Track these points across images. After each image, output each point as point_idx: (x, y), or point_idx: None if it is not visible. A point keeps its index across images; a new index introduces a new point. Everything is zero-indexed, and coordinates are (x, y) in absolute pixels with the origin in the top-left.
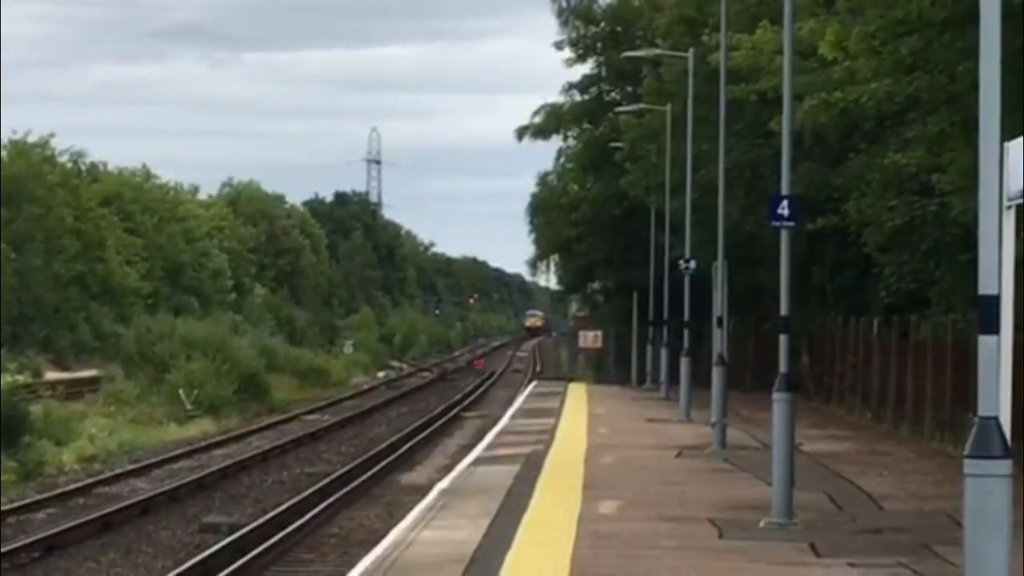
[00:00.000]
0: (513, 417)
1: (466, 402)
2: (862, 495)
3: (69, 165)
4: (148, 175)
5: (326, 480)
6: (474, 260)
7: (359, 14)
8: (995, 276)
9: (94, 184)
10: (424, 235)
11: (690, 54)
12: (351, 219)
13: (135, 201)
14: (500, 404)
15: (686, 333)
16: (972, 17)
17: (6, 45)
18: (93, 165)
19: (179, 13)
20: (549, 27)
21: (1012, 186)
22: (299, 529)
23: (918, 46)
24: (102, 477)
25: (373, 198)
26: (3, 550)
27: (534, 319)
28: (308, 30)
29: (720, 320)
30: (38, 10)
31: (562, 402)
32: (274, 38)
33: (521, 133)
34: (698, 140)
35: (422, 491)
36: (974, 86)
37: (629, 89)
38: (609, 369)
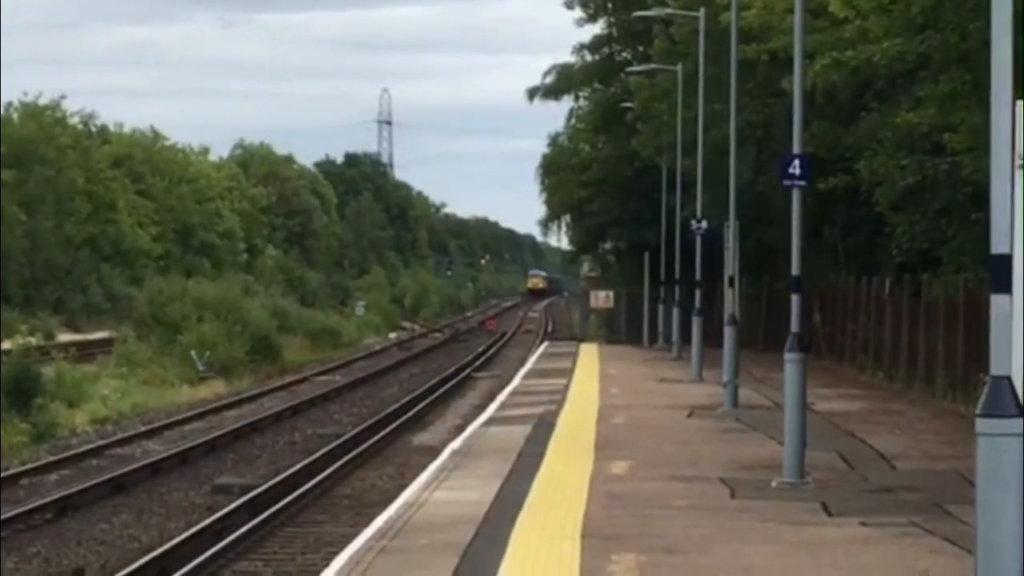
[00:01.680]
0: (525, 378)
1: (478, 363)
2: (874, 454)
3: (80, 127)
4: (158, 137)
5: (338, 441)
6: (485, 221)
7: None
8: (1007, 235)
9: (105, 146)
10: (435, 196)
11: (701, 13)
12: (362, 180)
13: (146, 163)
14: (512, 364)
15: (698, 293)
16: None
17: (19, 9)
18: (104, 127)
19: None
20: None
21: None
22: (311, 490)
23: (929, 4)
24: (114, 439)
25: (384, 159)
26: (17, 511)
27: (535, 280)
28: None
29: (732, 280)
30: None
31: (574, 362)
32: None
33: (532, 94)
34: (709, 100)
35: (434, 452)
36: (986, 44)
37: (640, 49)
38: (621, 329)
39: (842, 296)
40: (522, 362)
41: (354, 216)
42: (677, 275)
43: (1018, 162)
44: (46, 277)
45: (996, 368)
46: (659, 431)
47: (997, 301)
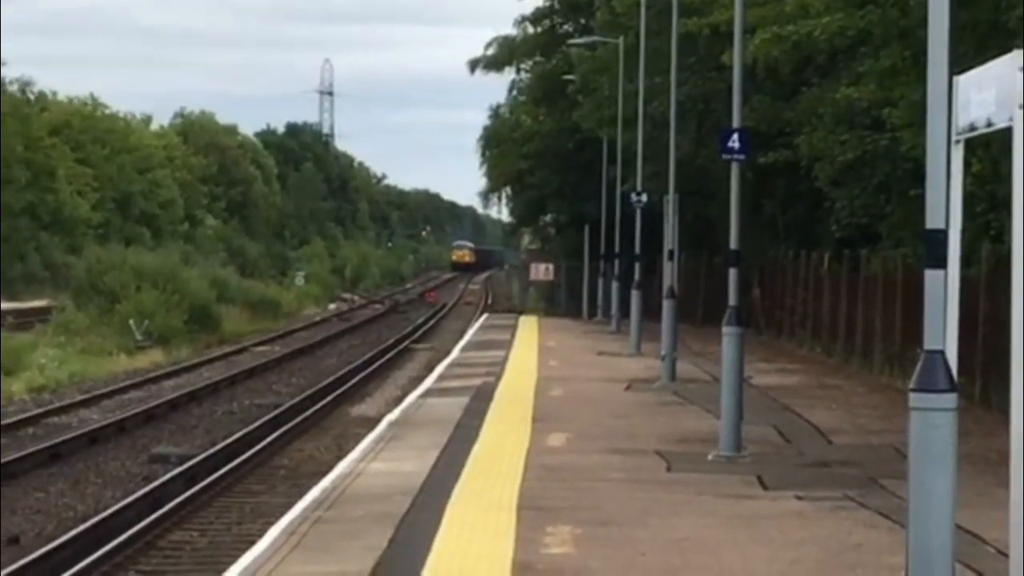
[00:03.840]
0: (464, 349)
1: (417, 334)
2: (811, 429)
3: (19, 95)
4: (98, 105)
5: (276, 412)
6: (427, 192)
7: None
8: (943, 210)
9: (44, 113)
10: (377, 167)
11: None
12: (303, 150)
13: (85, 131)
14: (451, 336)
15: (637, 266)
16: None
17: None
18: (42, 94)
19: None
20: None
21: (961, 120)
22: (249, 460)
23: None
24: (51, 407)
25: (325, 130)
26: None
27: (461, 252)
28: None
29: (671, 253)
30: None
31: (513, 334)
32: None
33: (474, 65)
34: (650, 73)
35: (372, 423)
36: (925, 20)
37: (582, 22)
38: (560, 302)
39: (781, 270)
40: (461, 334)
41: (295, 187)
42: (617, 248)
43: (955, 137)
44: None
45: (930, 343)
46: (597, 404)
47: (931, 276)
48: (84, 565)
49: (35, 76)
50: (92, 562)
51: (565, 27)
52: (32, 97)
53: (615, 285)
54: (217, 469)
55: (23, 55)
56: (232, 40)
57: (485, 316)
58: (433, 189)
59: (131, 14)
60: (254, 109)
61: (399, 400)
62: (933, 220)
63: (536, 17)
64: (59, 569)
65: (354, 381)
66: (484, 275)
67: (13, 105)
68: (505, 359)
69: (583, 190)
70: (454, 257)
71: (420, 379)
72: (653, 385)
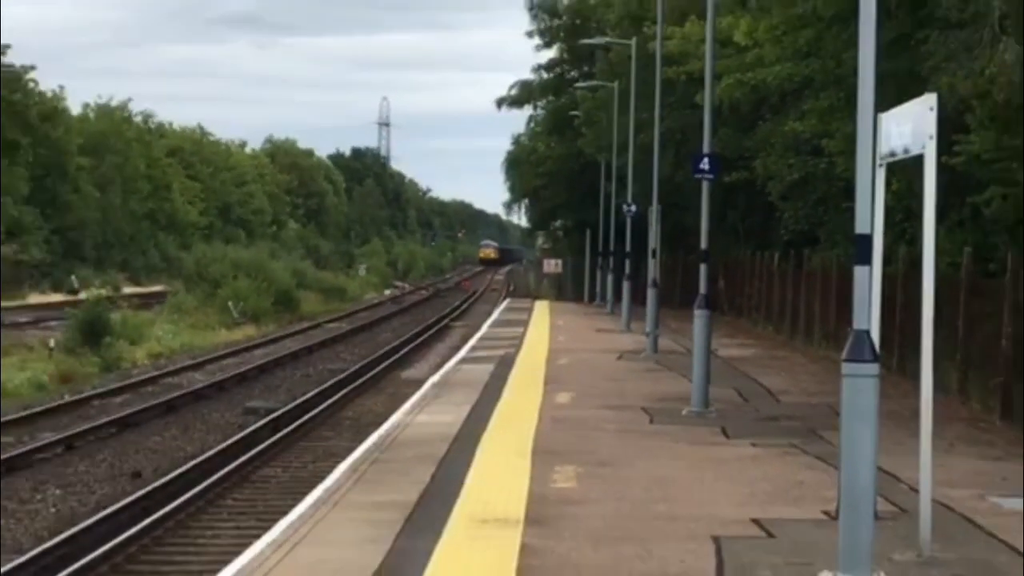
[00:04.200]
0: (491, 327)
1: (454, 315)
2: (763, 390)
3: (142, 124)
4: (204, 133)
5: (343, 375)
6: (462, 203)
7: (372, 6)
8: (868, 220)
9: (162, 139)
10: (423, 183)
11: (633, 42)
12: (365, 170)
13: (195, 154)
14: (481, 316)
15: (627, 262)
16: (854, 14)
17: (96, 30)
18: (161, 124)
19: (233, 5)
20: (522, 20)
21: (883, 148)
22: (321, 413)
23: (812, 37)
24: (167, 370)
25: (383, 153)
26: (89, 426)
27: (488, 250)
28: (333, 19)
29: (654, 252)
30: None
31: (529, 315)
32: (306, 25)
33: (500, 103)
34: (639, 110)
35: (418, 384)
36: (856, 69)
37: (585, 69)
38: (567, 290)
39: (741, 266)
40: (489, 315)
41: (358, 198)
42: (612, 248)
43: (879, 162)
44: (114, 242)
45: (858, 324)
46: (595, 370)
47: (859, 272)
48: (191, 495)
49: (156, 110)
50: (198, 492)
51: (572, 73)
52: (153, 127)
53: (610, 277)
54: (296, 419)
55: (148, 93)
56: (310, 82)
57: (507, 301)
58: (467, 200)
59: (234, 62)
60: (327, 136)
61: (440, 366)
62: (861, 227)
63: (549, 66)
64: (173, 496)
65: (405, 351)
66: (506, 268)
67: (138, 132)
68: (523, 334)
69: (586, 202)
70: (481, 255)
71: (456, 349)
72: (639, 356)
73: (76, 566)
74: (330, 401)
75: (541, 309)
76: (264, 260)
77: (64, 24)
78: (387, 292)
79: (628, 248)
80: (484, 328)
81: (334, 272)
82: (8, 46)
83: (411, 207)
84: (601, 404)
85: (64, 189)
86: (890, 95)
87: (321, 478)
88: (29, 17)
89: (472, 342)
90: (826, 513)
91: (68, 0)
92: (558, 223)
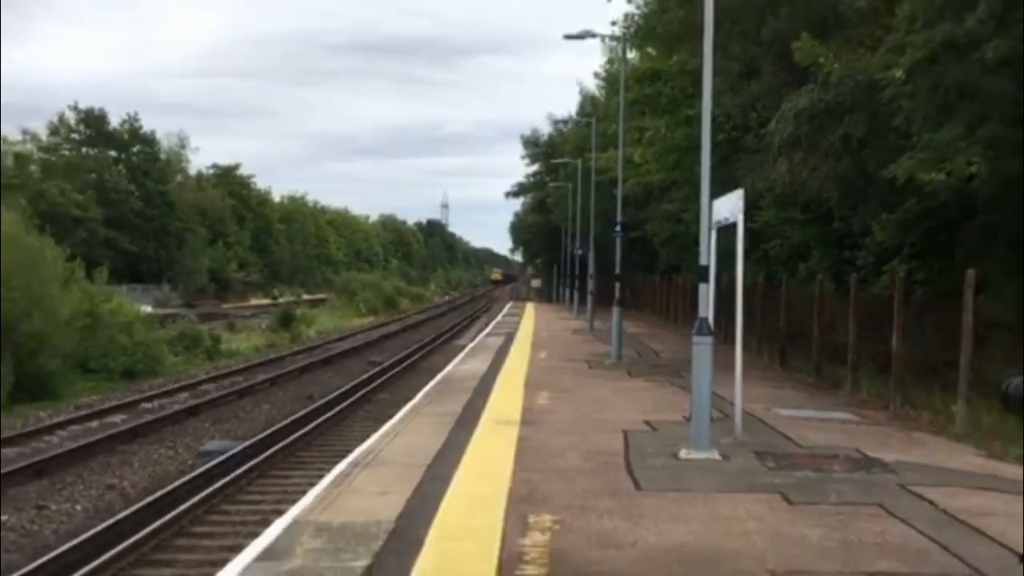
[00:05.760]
0: (503, 317)
1: (483, 311)
2: (651, 351)
3: (314, 206)
4: (347, 210)
5: (423, 343)
6: (487, 248)
7: (437, 141)
8: (707, 256)
9: (324, 214)
10: (467, 238)
11: (579, 162)
12: (433, 231)
13: (341, 222)
14: (496, 311)
15: (577, 282)
16: (699, 147)
17: (290, 158)
18: (323, 206)
19: (362, 142)
20: (519, 150)
21: (715, 219)
22: (411, 364)
23: (676, 158)
24: (327, 340)
25: (443, 221)
26: (283, 372)
27: (496, 274)
28: (413, 149)
29: (591, 276)
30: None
31: (523, 311)
32: (399, 150)
33: (507, 195)
34: (585, 199)
35: (461, 348)
36: (700, 176)
37: (554, 176)
38: (544, 295)
39: (641, 283)
40: (500, 311)
41: (430, 247)
42: (569, 273)
43: (713, 225)
44: (298, 271)
45: (701, 313)
46: (560, 340)
47: (702, 286)
48: (340, 408)
49: (320, 198)
50: (345, 406)
51: (547, 178)
52: (318, 207)
53: (569, 290)
54: (396, 368)
55: (315, 188)
56: (403, 183)
57: (511, 303)
58: (489, 247)
59: (364, 173)
60: (413, 212)
61: (474, 339)
62: (703, 261)
63: (535, 174)
64: (330, 408)
65: (455, 330)
66: (509, 286)
67: (311, 210)
68: (519, 321)
69: (553, 248)
70: (492, 277)
71: (482, 329)
72: (584, 332)
73: (282, 443)
74: (415, 358)
75: (530, 308)
76: (379, 280)
77: (272, 152)
78: (445, 298)
79: (578, 273)
80: (498, 318)
81: (417, 287)
82: (239, 164)
83: (459, 251)
84: (563, 358)
85: (270, 241)
86: (718, 190)
87: (410, 399)
88: (262, 149)
89: (491, 326)
90: (684, 417)
91: (281, 148)
92: (539, 260)
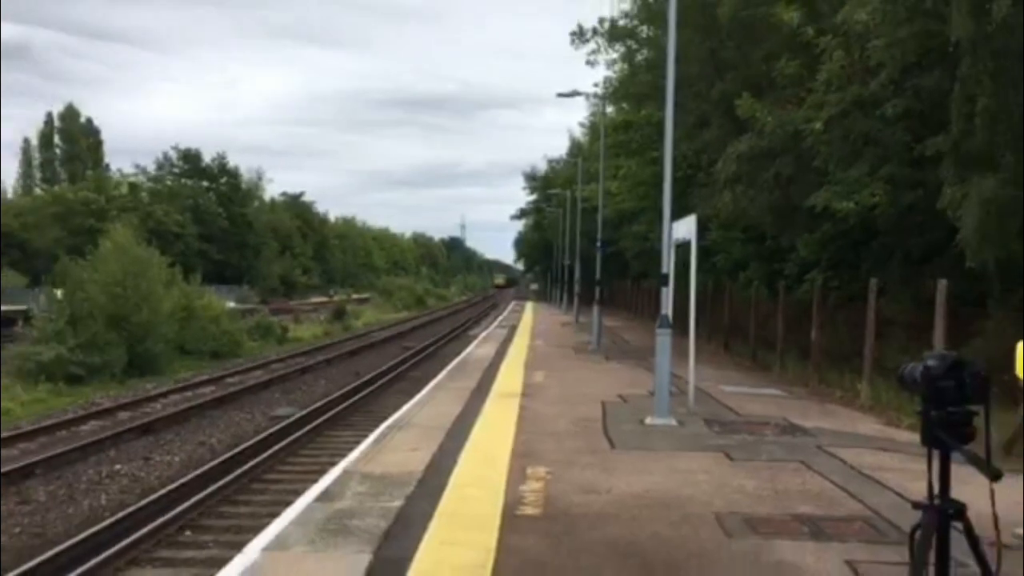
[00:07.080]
0: (509, 313)
1: (493, 308)
2: (624, 340)
3: (360, 225)
4: (388, 229)
5: (445, 333)
6: (496, 260)
7: (454, 173)
8: (669, 267)
9: (368, 233)
10: (481, 251)
11: (568, 192)
12: (455, 246)
13: (384, 239)
14: (503, 308)
15: (566, 286)
16: (662, 181)
17: (332, 184)
18: (368, 225)
19: (396, 175)
20: (521, 182)
21: (674, 237)
22: (436, 349)
23: (644, 190)
24: (371, 330)
25: (462, 237)
26: (332, 355)
27: (499, 279)
28: (432, 180)
29: (575, 283)
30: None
31: (523, 308)
32: (422, 182)
33: (512, 217)
34: (572, 224)
35: (474, 338)
36: (663, 204)
37: (549, 203)
38: (543, 297)
39: (616, 287)
40: (505, 308)
41: (453, 260)
42: (560, 279)
43: (672, 244)
44: (348, 275)
45: (662, 311)
46: (553, 331)
47: (663, 290)
48: (383, 382)
49: (367, 217)
50: (384, 381)
51: (543, 205)
52: (364, 226)
53: (559, 291)
54: (425, 351)
55: (370, 213)
56: (428, 207)
57: (514, 302)
58: (498, 258)
59: (398, 199)
60: (439, 230)
61: (487, 329)
62: (664, 270)
63: (533, 202)
64: (376, 382)
65: (471, 322)
66: (512, 289)
67: (359, 230)
68: (520, 317)
69: (549, 262)
70: (496, 281)
71: (492, 323)
72: (572, 325)
73: (335, 410)
74: (438, 345)
75: (529, 306)
76: (411, 284)
77: (330, 183)
78: (463, 298)
79: (567, 279)
80: (503, 314)
81: (441, 290)
82: (304, 192)
83: (475, 262)
84: (555, 345)
85: (327, 253)
86: (677, 215)
87: (435, 375)
88: (322, 181)
89: (497, 321)
90: (649, 392)
91: (336, 180)
92: (537, 268)
